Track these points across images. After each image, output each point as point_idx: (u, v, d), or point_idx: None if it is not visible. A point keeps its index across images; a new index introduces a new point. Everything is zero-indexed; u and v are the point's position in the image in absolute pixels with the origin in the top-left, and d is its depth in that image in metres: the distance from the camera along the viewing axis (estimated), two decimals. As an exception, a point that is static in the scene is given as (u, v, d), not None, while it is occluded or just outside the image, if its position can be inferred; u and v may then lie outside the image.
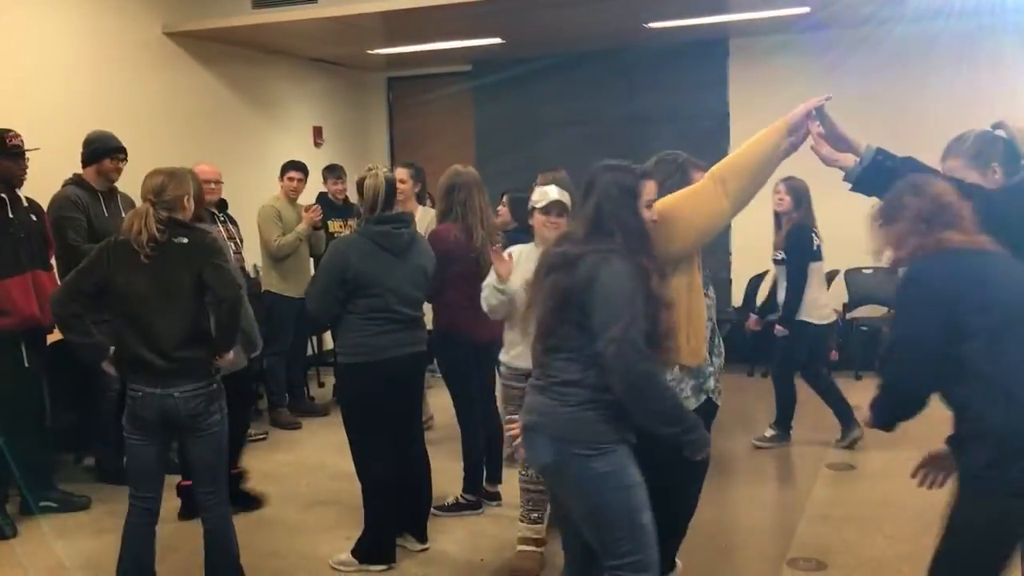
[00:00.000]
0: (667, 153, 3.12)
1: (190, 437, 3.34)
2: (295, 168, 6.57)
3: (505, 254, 3.89)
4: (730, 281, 7.94)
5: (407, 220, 4.03)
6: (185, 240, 3.30)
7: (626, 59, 8.45)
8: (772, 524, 4.35)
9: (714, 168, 2.82)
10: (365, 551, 3.96)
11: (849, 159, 2.92)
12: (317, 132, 8.80)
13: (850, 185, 2.97)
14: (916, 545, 3.82)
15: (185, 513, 4.42)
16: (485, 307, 3.89)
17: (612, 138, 8.29)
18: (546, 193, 3.73)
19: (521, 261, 3.81)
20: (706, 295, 2.98)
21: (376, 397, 3.85)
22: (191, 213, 3.46)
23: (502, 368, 4.09)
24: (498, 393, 4.60)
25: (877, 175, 2.86)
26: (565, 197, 3.69)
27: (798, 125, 2.83)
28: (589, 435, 2.59)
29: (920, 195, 2.53)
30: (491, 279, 3.85)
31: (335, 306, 3.87)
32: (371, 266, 3.81)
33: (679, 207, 2.84)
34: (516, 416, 2.87)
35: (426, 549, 4.14)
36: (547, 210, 3.69)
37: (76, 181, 5.02)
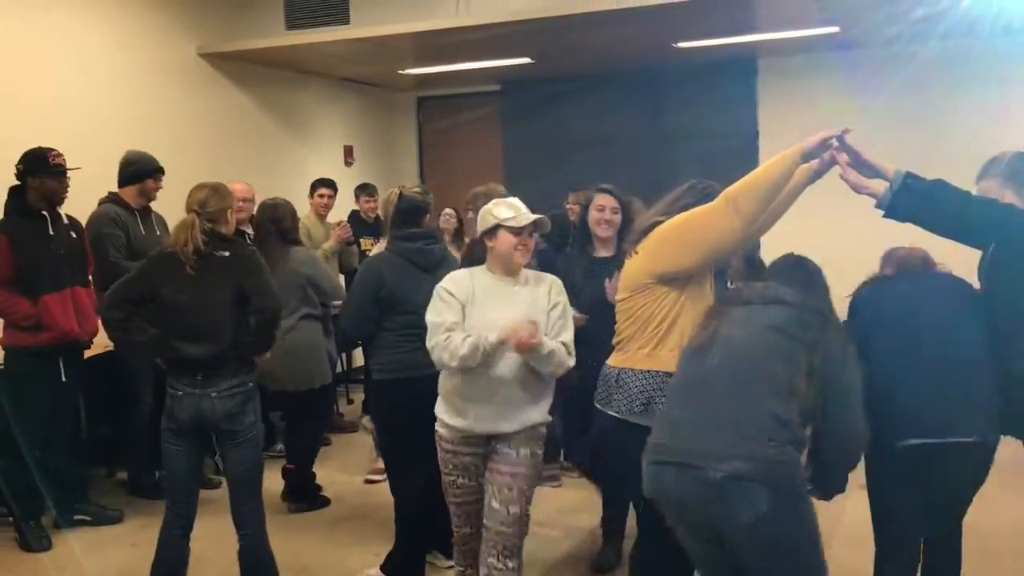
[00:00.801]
0: (698, 181, 3.13)
1: (227, 443, 3.41)
2: (325, 185, 6.65)
3: (447, 281, 3.29)
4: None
5: (436, 236, 4.06)
6: (227, 253, 3.42)
7: (655, 79, 8.46)
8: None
9: (728, 188, 2.84)
10: (395, 567, 3.98)
11: (879, 186, 2.92)
12: (348, 151, 8.89)
13: (883, 212, 2.97)
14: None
15: (290, 497, 5.01)
16: (447, 358, 3.12)
17: (640, 158, 8.31)
18: (518, 208, 3.18)
19: (475, 292, 3.19)
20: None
21: (411, 414, 3.78)
22: (233, 227, 3.59)
23: (446, 432, 3.35)
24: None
25: (909, 199, 2.86)
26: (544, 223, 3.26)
27: (813, 153, 2.84)
28: (800, 478, 2.50)
29: None
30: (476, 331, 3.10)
31: (369, 324, 3.87)
32: (404, 283, 3.80)
33: (689, 224, 2.86)
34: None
35: (452, 567, 4.15)
36: (521, 231, 3.15)
37: (113, 199, 5.11)
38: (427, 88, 9.48)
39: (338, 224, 6.47)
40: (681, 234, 2.87)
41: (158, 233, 5.16)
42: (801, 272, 2.89)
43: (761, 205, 2.81)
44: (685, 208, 2.96)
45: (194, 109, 6.92)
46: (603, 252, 4.02)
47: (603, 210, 3.99)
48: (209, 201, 3.44)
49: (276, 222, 4.96)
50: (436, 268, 3.86)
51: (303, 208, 6.65)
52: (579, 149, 8.74)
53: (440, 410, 3.30)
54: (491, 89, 9.23)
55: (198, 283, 3.36)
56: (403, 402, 3.83)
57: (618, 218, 3.97)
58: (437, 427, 3.32)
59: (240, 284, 3.40)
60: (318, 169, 7.70)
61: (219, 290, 3.39)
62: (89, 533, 4.69)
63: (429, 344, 3.13)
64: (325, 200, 6.61)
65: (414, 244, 3.88)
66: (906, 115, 7.31)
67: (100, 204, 5.12)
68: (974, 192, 3.14)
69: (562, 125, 8.93)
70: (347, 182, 7.58)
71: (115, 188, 5.17)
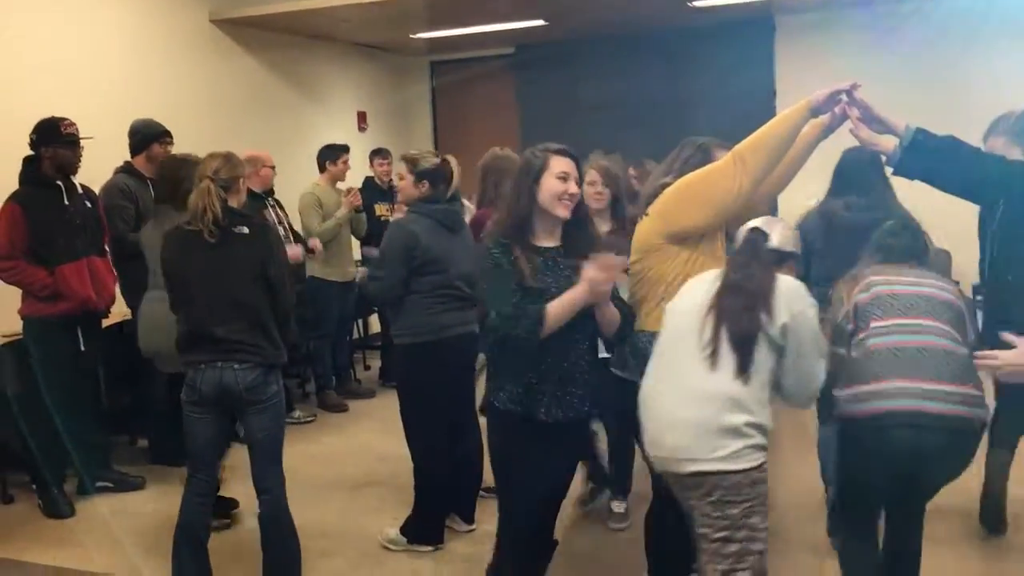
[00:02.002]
0: (690, 138, 3.12)
1: (249, 410, 3.40)
2: (346, 151, 6.62)
3: None
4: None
5: (458, 198, 4.10)
6: (246, 230, 3.39)
7: (670, 39, 8.36)
8: (815, 502, 4.30)
9: (736, 146, 2.82)
10: (415, 530, 4.01)
11: (889, 142, 2.89)
12: (361, 117, 8.85)
13: (891, 170, 2.95)
14: (967, 526, 3.78)
15: None
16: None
17: (656, 119, 8.23)
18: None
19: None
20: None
21: (437, 377, 3.88)
22: (244, 197, 3.56)
23: None
24: None
25: (919, 157, 2.83)
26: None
27: (821, 108, 2.82)
28: None
29: None
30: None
31: (400, 287, 3.88)
32: (436, 242, 3.86)
33: (697, 182, 2.85)
34: None
35: (473, 530, 4.18)
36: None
37: (126, 169, 5.12)
38: (440, 52, 9.41)
39: (348, 191, 6.45)
40: (689, 193, 2.86)
41: None
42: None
43: (769, 162, 2.80)
44: (688, 165, 2.95)
45: (206, 76, 6.89)
46: (603, 227, 3.98)
47: (594, 183, 3.99)
48: (221, 169, 3.41)
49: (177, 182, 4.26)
50: (461, 228, 4.01)
51: (309, 176, 6.62)
52: (594, 111, 8.68)
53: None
54: (505, 52, 9.15)
55: (218, 262, 3.34)
56: (427, 365, 3.89)
57: (607, 190, 3.99)
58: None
59: (261, 265, 3.38)
60: (331, 135, 7.67)
61: (240, 269, 3.36)
62: (111, 500, 4.75)
63: None
64: (347, 167, 6.59)
65: (441, 206, 3.94)
66: (924, 71, 7.21)
67: (114, 174, 5.13)
68: (984, 146, 3.11)
69: (577, 87, 8.86)
70: (360, 148, 7.56)
71: (127, 156, 5.18)
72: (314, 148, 6.72)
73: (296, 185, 6.57)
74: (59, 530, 4.42)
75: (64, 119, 4.53)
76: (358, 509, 4.59)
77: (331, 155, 6.56)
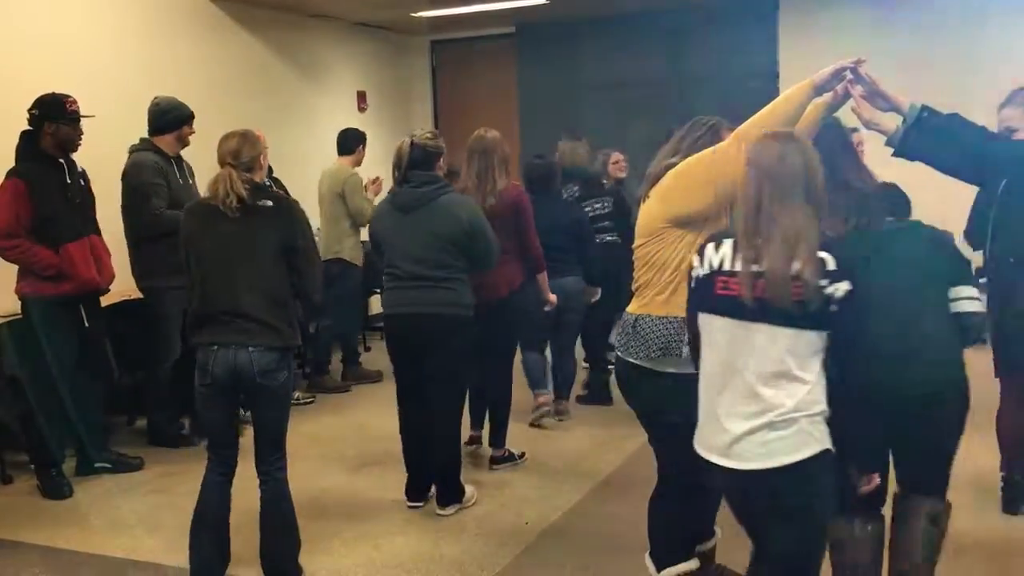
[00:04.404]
0: (700, 116, 3.07)
1: (258, 396, 3.35)
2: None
3: None
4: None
5: (437, 180, 4.05)
6: (270, 203, 3.34)
7: (672, 19, 8.31)
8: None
9: (739, 127, 2.78)
10: (453, 495, 4.19)
11: (891, 123, 2.85)
12: (361, 97, 8.80)
13: (892, 151, 2.91)
14: (977, 523, 3.77)
15: None
16: None
17: (658, 100, 8.20)
18: None
19: None
20: None
21: (394, 349, 4.24)
22: (265, 172, 3.53)
23: None
24: None
25: (922, 136, 2.79)
26: None
27: (825, 85, 2.78)
28: None
29: None
30: None
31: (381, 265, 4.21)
32: (382, 225, 4.15)
33: (700, 165, 2.81)
34: None
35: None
36: None
37: (150, 147, 5.04)
38: (441, 32, 9.34)
39: (375, 180, 6.44)
40: (692, 176, 2.81)
41: (191, 181, 5.16)
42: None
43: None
44: (696, 145, 2.90)
45: (205, 54, 6.84)
46: None
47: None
48: (243, 151, 3.34)
49: None
50: (413, 210, 4.00)
51: (315, 153, 6.58)
52: (595, 91, 8.64)
53: None
54: (506, 32, 9.09)
55: (239, 236, 3.28)
56: (389, 337, 4.30)
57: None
58: None
59: (284, 239, 3.33)
60: (331, 115, 7.65)
61: (261, 241, 3.31)
62: (109, 481, 4.74)
63: None
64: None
65: (402, 187, 4.02)
66: (929, 50, 7.17)
67: (134, 152, 5.04)
68: (997, 115, 3.09)
69: (578, 68, 8.82)
70: (361, 128, 7.49)
71: (125, 134, 5.11)
72: (314, 127, 6.69)
73: (295, 164, 6.53)
74: (57, 511, 4.41)
75: (68, 96, 4.47)
76: (357, 488, 4.58)
77: (361, 140, 6.56)
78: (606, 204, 5.83)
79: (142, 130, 5.11)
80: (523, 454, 4.84)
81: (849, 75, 2.79)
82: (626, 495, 4.23)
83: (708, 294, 2.42)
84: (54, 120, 4.42)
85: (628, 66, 8.51)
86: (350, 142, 6.51)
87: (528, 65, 9.05)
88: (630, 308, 2.98)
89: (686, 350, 2.77)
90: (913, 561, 2.83)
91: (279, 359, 3.31)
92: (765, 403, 2.30)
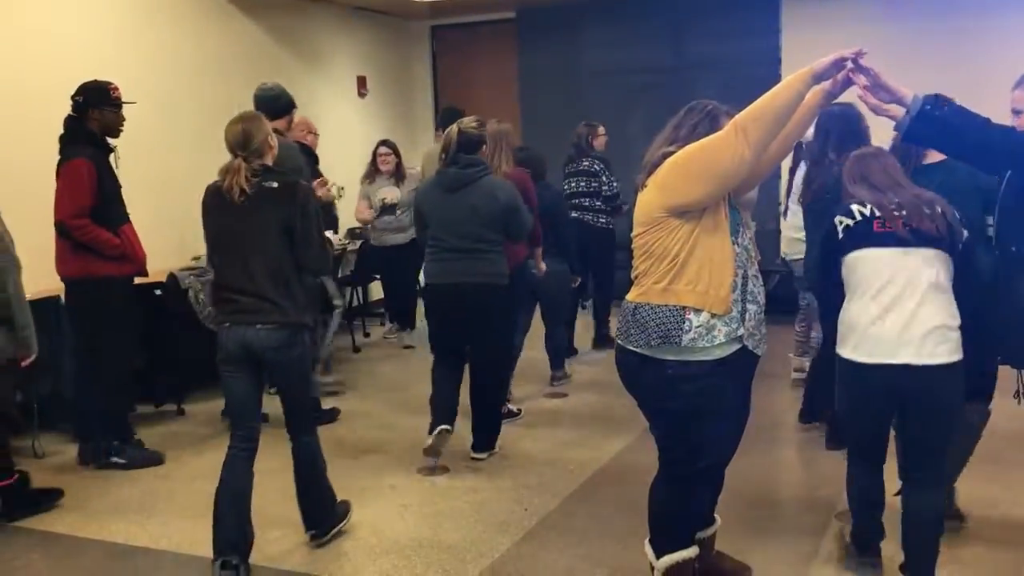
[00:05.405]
0: (698, 102, 3.05)
1: (273, 369, 3.50)
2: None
3: None
4: (778, 232, 7.82)
5: (481, 164, 4.50)
6: (275, 184, 3.43)
7: (674, 4, 8.28)
8: (820, 478, 4.31)
9: (737, 116, 2.76)
10: (490, 440, 4.72)
11: (898, 110, 2.84)
12: (361, 82, 8.77)
13: (901, 137, 2.92)
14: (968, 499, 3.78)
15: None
16: None
17: (659, 86, 8.16)
18: None
19: None
20: (735, 243, 2.93)
21: (432, 316, 4.68)
22: (276, 152, 3.59)
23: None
24: None
25: (927, 126, 2.79)
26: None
27: (825, 74, 2.75)
28: None
29: None
30: None
31: (421, 236, 4.69)
32: (428, 201, 4.55)
33: (698, 155, 2.79)
34: None
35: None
36: None
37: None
38: (441, 16, 9.31)
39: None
40: (690, 166, 2.79)
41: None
42: None
43: (771, 131, 2.74)
44: (695, 134, 2.88)
45: (204, 39, 6.81)
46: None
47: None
48: (251, 138, 3.43)
49: None
50: (456, 189, 4.45)
51: (319, 141, 6.53)
52: (596, 78, 8.61)
53: None
54: (506, 17, 9.06)
55: (245, 213, 3.40)
56: (430, 304, 4.68)
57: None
58: None
59: (285, 219, 3.41)
60: (331, 100, 7.62)
61: (266, 224, 3.40)
62: (108, 466, 4.74)
63: None
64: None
65: (449, 168, 4.46)
66: (934, 37, 7.14)
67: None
68: (1012, 95, 3.10)
69: (579, 54, 8.78)
70: (360, 114, 7.48)
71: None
72: (314, 112, 6.65)
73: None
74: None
75: (110, 83, 4.59)
76: (355, 475, 4.57)
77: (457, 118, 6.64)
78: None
79: (142, 113, 5.09)
80: (520, 410, 5.38)
81: (850, 64, 2.77)
82: (625, 482, 4.24)
83: (868, 232, 3.06)
84: (99, 106, 4.52)
85: (629, 52, 8.48)
86: (446, 120, 6.63)
87: (529, 51, 9.02)
88: (629, 296, 2.97)
89: (686, 338, 2.79)
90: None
91: (289, 335, 3.43)
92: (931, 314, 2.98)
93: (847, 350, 3.11)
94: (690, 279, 2.82)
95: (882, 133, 3.53)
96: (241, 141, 3.42)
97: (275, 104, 5.07)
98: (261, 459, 3.53)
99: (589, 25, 8.66)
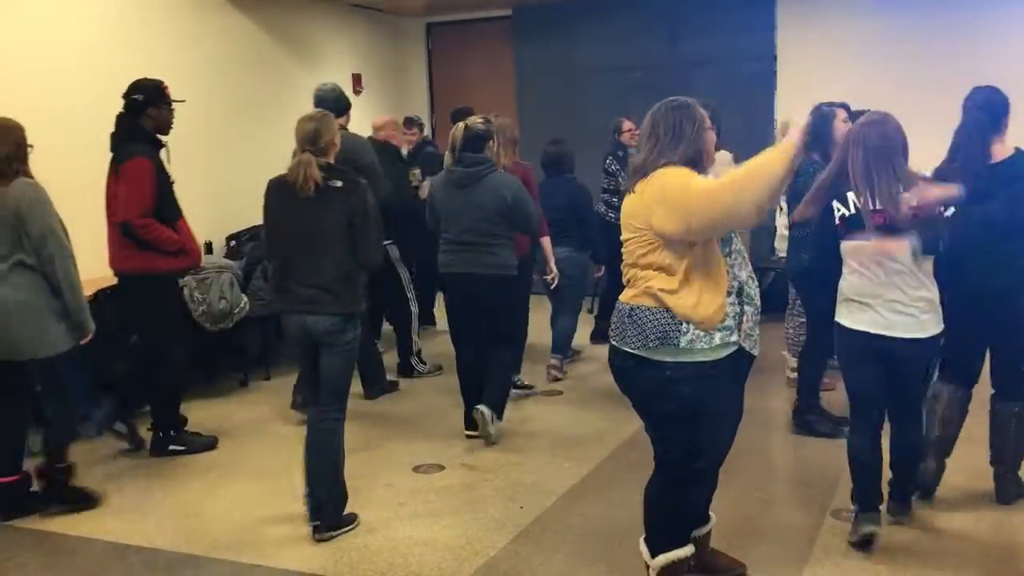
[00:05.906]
0: (670, 99, 2.99)
1: (325, 350, 3.71)
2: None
3: None
4: (774, 230, 7.82)
5: (488, 161, 4.68)
6: (339, 184, 3.63)
7: (669, 1, 8.26)
8: (815, 476, 4.31)
9: (727, 179, 2.68)
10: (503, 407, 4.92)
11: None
12: (356, 79, 8.74)
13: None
14: (968, 492, 3.78)
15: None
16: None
17: (655, 84, 8.11)
18: None
19: None
20: (728, 253, 2.92)
21: (449, 302, 4.98)
22: (337, 152, 3.79)
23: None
24: None
25: None
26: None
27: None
28: None
29: None
30: None
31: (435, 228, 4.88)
32: (442, 196, 4.74)
33: (683, 193, 2.72)
34: None
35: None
36: None
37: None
38: (436, 14, 9.29)
39: None
40: (677, 202, 2.72)
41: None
42: None
43: (768, 199, 2.64)
44: (680, 137, 2.83)
45: (200, 36, 6.78)
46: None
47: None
48: (321, 134, 3.64)
49: None
50: (464, 186, 4.65)
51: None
52: (592, 75, 8.60)
53: None
54: (502, 14, 9.04)
55: (311, 211, 3.60)
56: (445, 290, 4.97)
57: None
58: None
59: (348, 216, 3.61)
60: (326, 98, 7.56)
61: (330, 219, 3.61)
62: (102, 465, 4.73)
63: None
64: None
65: (458, 166, 4.63)
66: (929, 35, 7.10)
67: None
68: None
69: (575, 51, 8.77)
70: (356, 110, 7.43)
71: (112, 119, 5.05)
72: (308, 109, 6.58)
73: (290, 146, 6.44)
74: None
75: (162, 81, 4.68)
76: (351, 473, 4.56)
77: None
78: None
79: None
80: (531, 386, 5.76)
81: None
82: (621, 481, 4.24)
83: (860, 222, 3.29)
84: (156, 104, 4.62)
85: (625, 49, 8.47)
86: (456, 120, 6.65)
87: (524, 48, 9.00)
88: (623, 297, 2.95)
89: (684, 339, 2.79)
90: None
91: (343, 322, 3.68)
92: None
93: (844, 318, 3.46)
94: (682, 294, 2.80)
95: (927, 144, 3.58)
96: (311, 137, 3.63)
97: (338, 103, 5.28)
98: (272, 460, 3.52)
99: (585, 22, 8.64)
